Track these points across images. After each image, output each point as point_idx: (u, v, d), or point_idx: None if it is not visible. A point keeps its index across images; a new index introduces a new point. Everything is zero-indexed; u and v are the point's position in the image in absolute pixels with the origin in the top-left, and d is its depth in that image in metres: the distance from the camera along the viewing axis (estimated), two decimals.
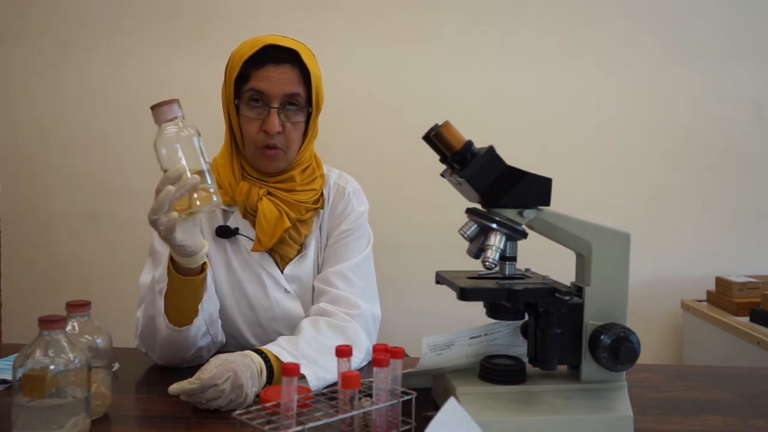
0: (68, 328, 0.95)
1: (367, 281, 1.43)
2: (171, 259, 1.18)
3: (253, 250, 1.38)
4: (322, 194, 1.45)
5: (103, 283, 2.40)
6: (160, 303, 1.20)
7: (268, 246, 1.37)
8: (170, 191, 1.03)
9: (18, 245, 2.46)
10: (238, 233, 1.39)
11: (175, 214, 1.05)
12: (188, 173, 1.05)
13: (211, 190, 1.09)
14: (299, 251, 1.43)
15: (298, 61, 1.33)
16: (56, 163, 2.44)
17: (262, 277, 1.40)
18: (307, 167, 1.43)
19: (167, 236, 1.08)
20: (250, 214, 1.39)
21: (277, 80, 1.31)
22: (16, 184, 2.46)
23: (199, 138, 1.09)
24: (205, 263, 1.20)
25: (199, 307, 1.21)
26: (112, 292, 2.33)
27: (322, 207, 1.45)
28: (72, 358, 0.88)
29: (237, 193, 1.38)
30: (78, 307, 0.98)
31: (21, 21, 2.42)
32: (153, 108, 1.07)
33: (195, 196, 1.07)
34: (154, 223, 1.07)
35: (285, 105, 1.33)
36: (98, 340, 1.00)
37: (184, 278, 1.18)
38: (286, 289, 1.41)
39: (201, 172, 1.07)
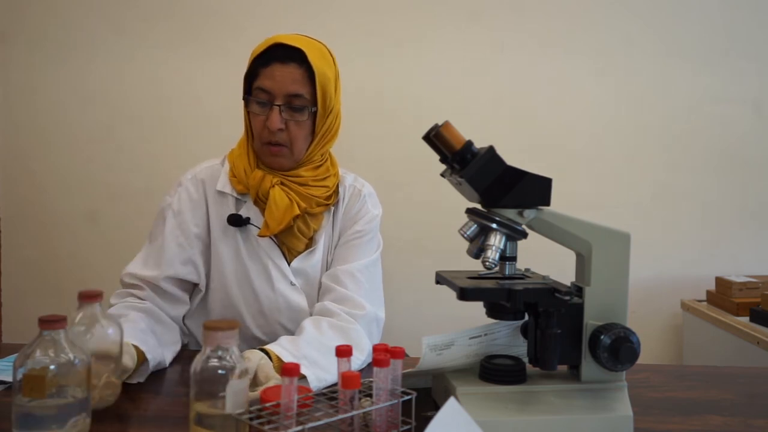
0: (79, 316, 0.96)
1: (373, 284, 1.44)
2: None
3: (260, 234, 1.38)
4: (336, 192, 1.46)
5: (103, 283, 2.38)
6: None
7: (275, 231, 1.37)
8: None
9: (18, 245, 2.46)
10: (249, 223, 1.40)
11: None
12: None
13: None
14: (308, 246, 1.44)
15: (304, 60, 1.34)
16: (56, 163, 2.44)
17: (269, 267, 1.41)
18: (320, 166, 1.44)
19: None
20: (262, 201, 1.40)
21: (280, 79, 1.33)
22: (16, 184, 2.46)
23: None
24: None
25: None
26: (112, 292, 2.32)
27: (333, 204, 1.46)
28: (72, 358, 0.88)
29: (251, 178, 1.39)
30: (91, 297, 0.98)
31: (21, 21, 2.42)
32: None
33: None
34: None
35: (288, 104, 1.34)
36: (109, 330, 1.00)
37: None
38: (291, 282, 1.42)
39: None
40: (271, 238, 1.40)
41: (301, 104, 1.35)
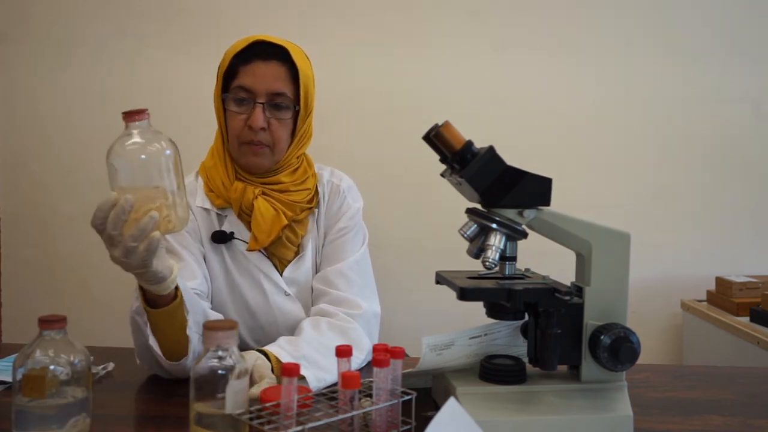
0: (129, 140, 0.98)
1: (364, 278, 1.43)
2: (143, 295, 1.09)
3: (248, 249, 1.36)
4: (316, 193, 1.44)
5: (103, 283, 2.40)
6: (152, 341, 1.12)
7: (265, 244, 1.35)
8: (154, 217, 0.96)
9: (18, 245, 2.46)
10: (234, 237, 1.38)
11: (157, 233, 0.97)
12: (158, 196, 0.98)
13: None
14: (296, 253, 1.43)
15: (287, 58, 1.32)
16: (57, 163, 2.44)
17: (261, 281, 1.39)
18: (297, 168, 1.42)
19: (146, 261, 0.99)
20: (245, 214, 1.37)
21: (262, 77, 1.31)
22: (17, 184, 2.46)
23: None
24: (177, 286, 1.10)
25: (188, 332, 1.12)
26: (112, 292, 2.33)
27: (316, 206, 1.44)
28: (72, 358, 0.88)
29: (232, 191, 1.36)
30: (139, 113, 0.98)
31: (23, 21, 2.42)
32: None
33: (169, 215, 0.99)
34: (130, 252, 0.98)
35: (271, 102, 1.32)
36: (167, 152, 0.98)
37: (160, 311, 1.09)
38: (286, 292, 1.40)
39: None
40: (260, 250, 1.38)
41: (284, 103, 1.33)
